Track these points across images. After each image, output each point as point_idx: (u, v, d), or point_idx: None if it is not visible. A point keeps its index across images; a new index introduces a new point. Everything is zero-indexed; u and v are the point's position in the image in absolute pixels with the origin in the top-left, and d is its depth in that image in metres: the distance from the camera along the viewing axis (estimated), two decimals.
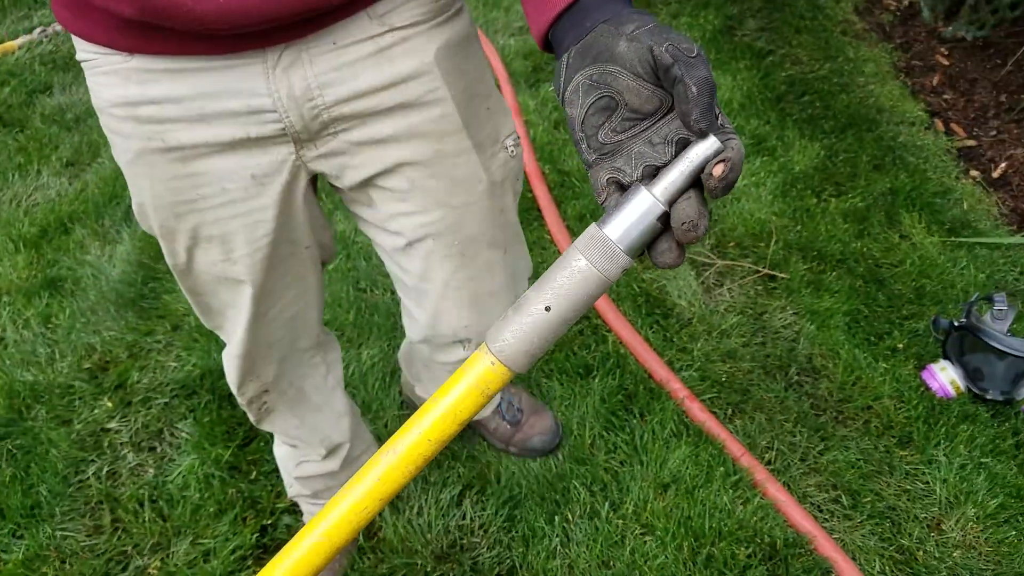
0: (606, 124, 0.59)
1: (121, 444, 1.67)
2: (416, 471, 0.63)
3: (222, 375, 1.76)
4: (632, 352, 1.80)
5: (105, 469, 1.62)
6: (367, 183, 0.96)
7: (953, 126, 2.70)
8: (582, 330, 1.85)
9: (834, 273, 2.02)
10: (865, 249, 2.09)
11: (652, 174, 0.58)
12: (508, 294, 1.10)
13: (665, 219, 0.56)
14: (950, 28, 3.10)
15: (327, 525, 0.64)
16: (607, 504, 1.52)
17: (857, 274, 2.02)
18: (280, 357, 1.13)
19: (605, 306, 1.88)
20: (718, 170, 0.54)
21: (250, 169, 0.88)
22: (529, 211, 2.25)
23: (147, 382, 1.78)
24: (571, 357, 1.78)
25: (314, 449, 1.32)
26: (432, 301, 1.08)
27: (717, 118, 0.55)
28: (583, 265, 0.57)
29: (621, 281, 1.97)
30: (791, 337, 1.88)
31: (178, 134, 0.85)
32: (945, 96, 2.84)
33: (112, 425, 1.70)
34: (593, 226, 0.58)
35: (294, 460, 1.37)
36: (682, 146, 0.57)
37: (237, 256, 0.96)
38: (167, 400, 1.75)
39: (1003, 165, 2.50)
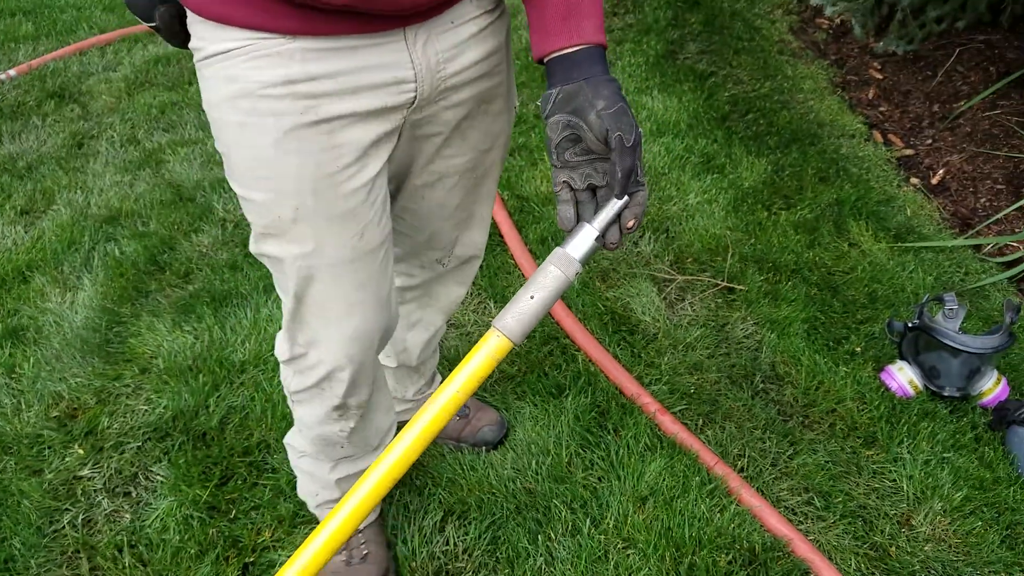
0: (570, 149, 0.92)
1: (95, 491, 1.65)
2: (449, 417, 0.94)
3: (195, 415, 1.75)
4: (602, 369, 1.84)
5: (80, 517, 1.59)
6: (432, 136, 1.12)
7: (891, 137, 2.83)
8: (552, 351, 1.89)
9: (789, 283, 2.09)
10: (817, 258, 2.17)
11: (591, 188, 0.93)
12: (488, 210, 1.33)
13: (600, 239, 0.93)
14: (881, 43, 3.25)
15: (391, 459, 0.92)
16: (588, 520, 1.55)
17: (811, 282, 2.10)
18: (377, 347, 1.19)
19: (573, 326, 1.91)
20: (629, 223, 0.92)
21: (371, 135, 0.99)
22: (491, 236, 2.28)
23: (118, 427, 1.76)
24: (543, 378, 1.82)
25: (367, 445, 1.35)
26: (436, 220, 1.27)
27: (635, 178, 0.89)
28: (553, 270, 0.92)
29: (587, 301, 2.01)
30: (753, 347, 1.94)
31: (330, 106, 0.94)
32: (881, 108, 2.97)
33: (85, 472, 1.68)
34: (559, 248, 0.92)
35: (329, 464, 1.37)
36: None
37: (366, 228, 1.04)
38: (140, 444, 1.73)
39: (940, 172, 2.62)
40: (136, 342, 1.96)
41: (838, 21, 3.50)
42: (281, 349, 1.19)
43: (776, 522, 1.55)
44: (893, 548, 1.54)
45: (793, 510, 1.61)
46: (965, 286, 2.13)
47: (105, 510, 1.61)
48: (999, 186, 2.51)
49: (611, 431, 1.71)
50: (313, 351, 1.14)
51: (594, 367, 1.85)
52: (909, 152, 2.74)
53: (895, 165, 2.66)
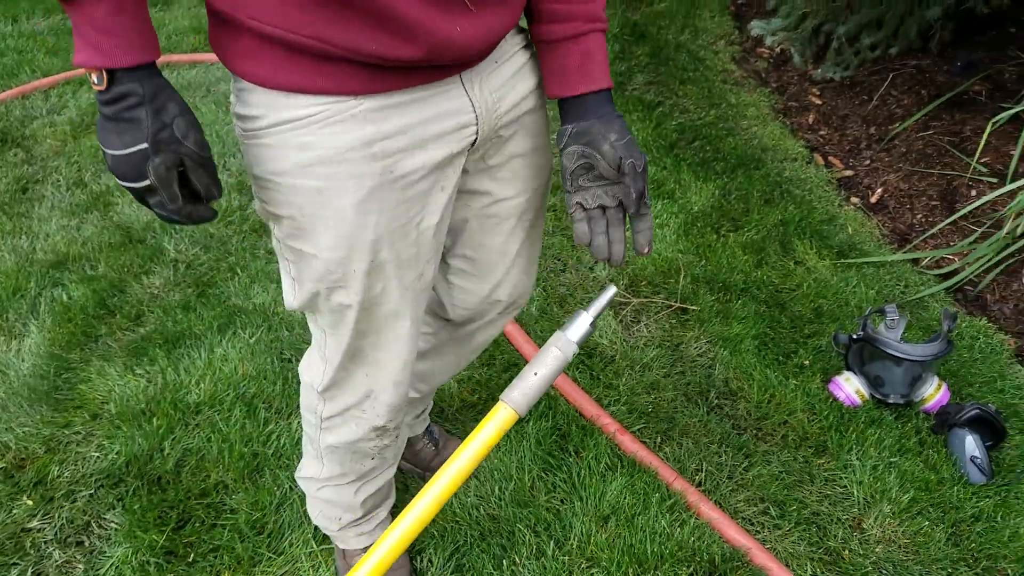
0: (583, 176, 1.02)
1: (45, 543, 1.60)
2: (461, 483, 1.02)
3: (150, 459, 1.72)
4: (562, 393, 1.85)
5: (30, 571, 1.55)
6: (486, 173, 1.13)
7: (831, 159, 2.93)
8: (512, 377, 1.90)
9: (739, 301, 2.14)
10: (765, 277, 2.24)
11: (601, 207, 1.02)
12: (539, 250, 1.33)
13: (594, 324, 1.05)
14: (819, 70, 3.38)
15: (409, 521, 1.00)
16: (552, 543, 1.55)
17: (760, 300, 2.15)
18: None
19: (532, 352, 1.93)
20: (644, 249, 1.02)
21: (440, 183, 1.02)
22: None
23: (69, 475, 1.72)
24: None
25: (393, 458, 1.38)
26: (501, 269, 1.25)
27: (644, 200, 1.00)
28: (555, 351, 1.03)
29: (546, 327, 2.04)
30: (707, 364, 1.98)
31: (404, 162, 0.96)
32: (821, 132, 3.08)
33: (34, 524, 1.63)
34: (560, 332, 1.03)
35: (354, 487, 1.37)
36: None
37: (426, 268, 1.07)
38: (92, 491, 1.69)
39: (879, 191, 2.72)
40: (86, 388, 1.93)
41: (778, 50, 3.64)
42: (314, 374, 1.19)
43: (734, 533, 1.58)
44: (846, 551, 1.57)
45: (750, 520, 1.63)
46: (905, 298, 2.20)
47: (56, 561, 1.57)
48: (934, 202, 2.61)
49: (572, 453, 1.72)
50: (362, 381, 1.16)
51: (554, 391, 1.86)
52: (849, 173, 2.84)
53: (836, 186, 2.75)
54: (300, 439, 1.77)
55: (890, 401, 1.83)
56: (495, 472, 1.68)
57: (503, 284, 1.27)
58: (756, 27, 3.72)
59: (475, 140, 1.03)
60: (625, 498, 1.61)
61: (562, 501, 1.64)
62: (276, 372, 1.93)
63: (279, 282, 2.17)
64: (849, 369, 1.90)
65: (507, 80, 1.05)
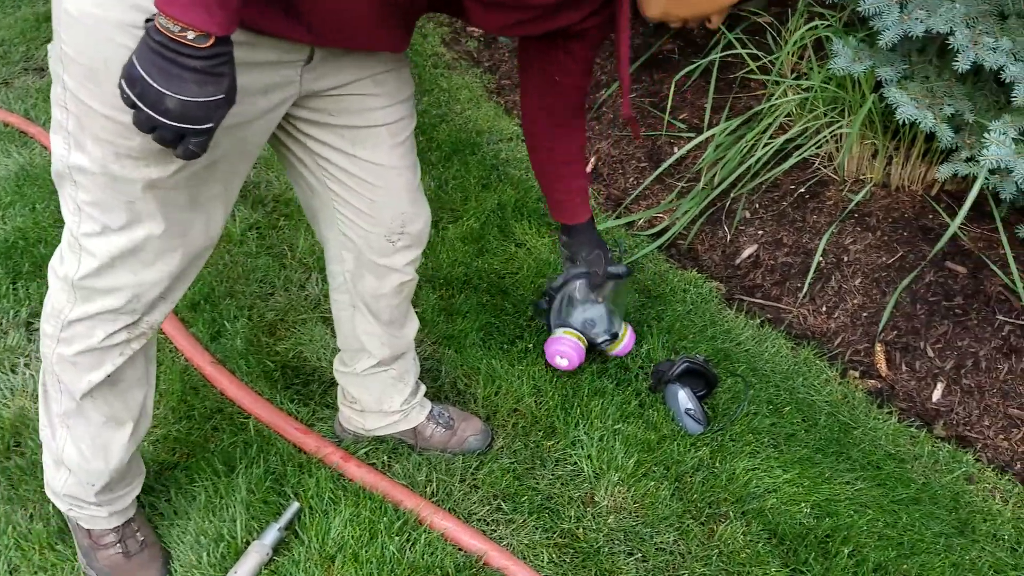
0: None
1: None
2: None
3: None
4: (276, 431, 1.72)
5: None
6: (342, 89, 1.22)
7: None
8: (218, 425, 1.74)
9: (462, 295, 2.11)
10: (486, 265, 2.21)
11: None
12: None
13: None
14: None
15: None
16: None
17: (482, 290, 2.13)
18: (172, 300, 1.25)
19: (238, 392, 1.78)
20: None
21: (264, 81, 1.10)
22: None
23: None
24: (210, 457, 1.66)
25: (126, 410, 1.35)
26: (384, 188, 1.34)
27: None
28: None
29: (253, 361, 1.88)
30: (435, 368, 1.92)
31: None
32: None
33: None
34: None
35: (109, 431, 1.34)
36: None
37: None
38: None
39: (592, 159, 2.79)
40: None
41: None
42: (70, 261, 1.16)
43: (469, 538, 1.53)
44: (580, 530, 1.57)
45: (485, 520, 1.60)
46: (623, 263, 2.27)
47: None
48: (643, 164, 2.72)
49: (291, 495, 1.60)
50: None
51: (268, 430, 1.72)
52: None
53: None
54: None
55: (599, 341, 1.82)
56: (202, 536, 1.52)
57: (391, 202, 1.37)
58: None
59: (311, 54, 1.13)
60: (349, 531, 1.52)
61: (281, 552, 1.51)
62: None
63: None
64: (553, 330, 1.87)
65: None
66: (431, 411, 1.71)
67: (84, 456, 1.32)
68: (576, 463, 1.70)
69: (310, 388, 1.84)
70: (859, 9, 2.05)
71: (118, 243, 1.11)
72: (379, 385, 1.63)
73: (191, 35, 0.87)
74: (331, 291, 1.56)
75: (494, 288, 2.14)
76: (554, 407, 1.80)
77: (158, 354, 1.89)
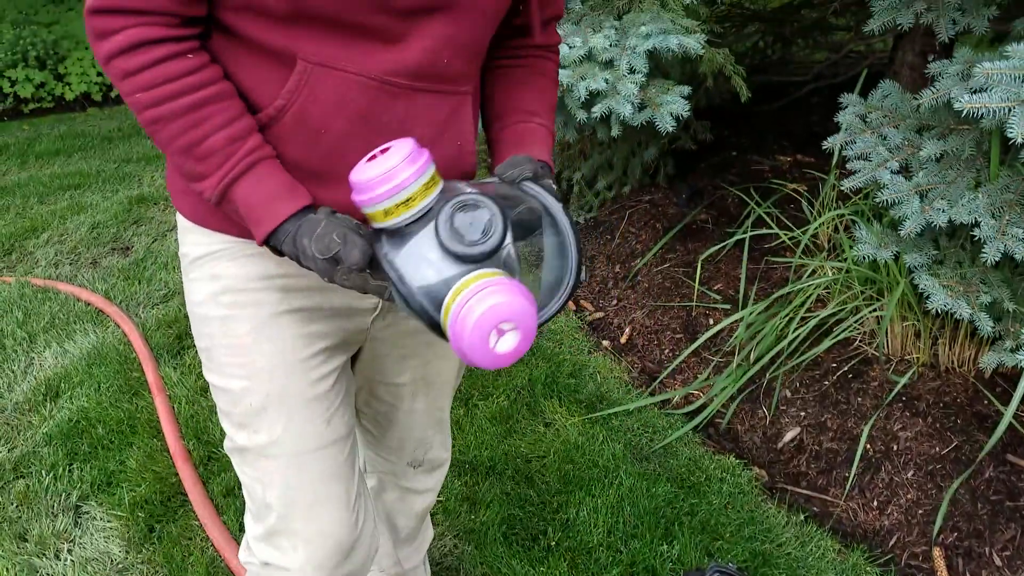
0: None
1: None
2: None
3: None
4: None
5: None
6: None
7: (583, 303, 2.97)
8: None
9: (487, 482, 2.03)
10: (512, 449, 2.14)
11: None
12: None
13: None
14: None
15: None
16: None
17: (507, 477, 2.04)
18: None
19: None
20: None
21: (343, 332, 1.10)
22: (173, 497, 2.05)
23: None
24: None
25: None
26: (403, 425, 1.32)
27: None
28: None
29: None
30: (454, 565, 1.82)
31: (304, 300, 1.05)
32: None
33: None
34: None
35: None
36: None
37: (333, 416, 1.09)
38: None
39: (627, 330, 2.75)
40: None
41: None
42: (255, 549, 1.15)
43: None
44: None
45: None
46: (654, 447, 2.17)
47: None
48: (678, 335, 2.67)
49: None
50: (285, 554, 1.10)
51: None
52: (600, 315, 2.87)
53: (588, 330, 2.77)
54: None
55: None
56: None
57: (412, 432, 1.34)
58: None
59: (378, 303, 1.11)
60: None
61: None
62: None
63: None
64: None
65: None
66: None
67: None
68: None
69: None
70: (877, 200, 2.01)
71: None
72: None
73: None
74: None
75: (519, 475, 2.06)
76: None
77: (187, 543, 1.86)
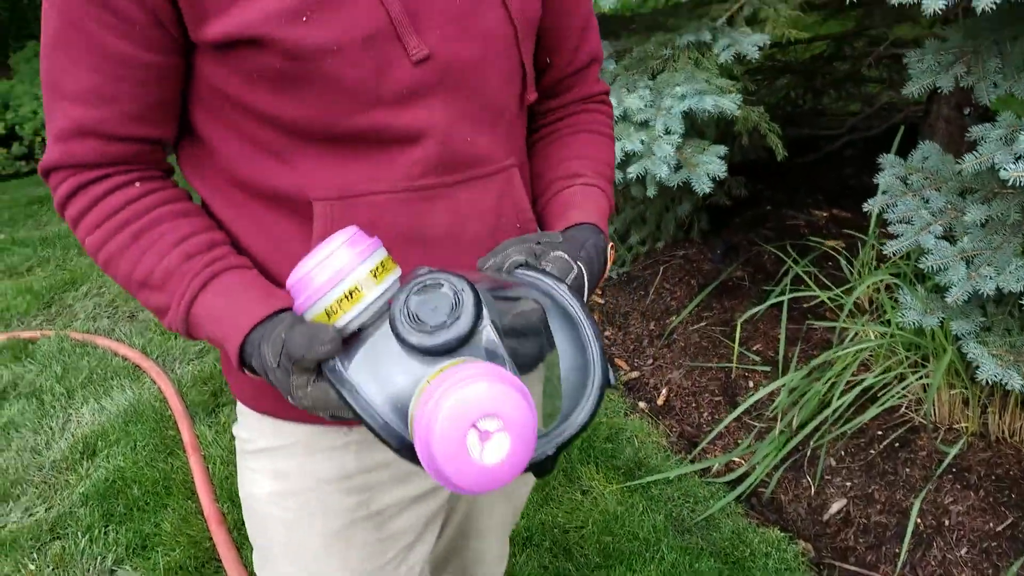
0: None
1: None
2: None
3: None
4: None
5: None
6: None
7: (618, 361, 2.93)
8: None
9: (524, 555, 1.99)
10: (549, 518, 2.10)
11: None
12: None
13: None
14: None
15: None
16: None
17: (544, 549, 2.00)
18: None
19: None
20: None
21: (424, 516, 0.97)
22: (207, 563, 2.03)
23: None
24: None
25: None
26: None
27: None
28: None
29: None
30: None
31: (383, 497, 0.92)
32: (607, 333, 3.10)
33: None
34: None
35: None
36: None
37: None
38: None
39: (664, 391, 2.71)
40: None
41: None
42: None
43: None
44: None
45: None
46: (696, 518, 2.12)
47: None
48: (716, 398, 2.62)
49: None
50: None
51: None
52: (636, 375, 2.84)
53: (623, 391, 2.73)
54: None
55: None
56: None
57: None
58: None
59: None
60: None
61: None
62: None
63: None
64: None
65: None
66: None
67: None
68: None
69: None
70: (921, 266, 1.98)
71: None
72: None
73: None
74: None
75: (557, 546, 2.01)
76: None
77: None
